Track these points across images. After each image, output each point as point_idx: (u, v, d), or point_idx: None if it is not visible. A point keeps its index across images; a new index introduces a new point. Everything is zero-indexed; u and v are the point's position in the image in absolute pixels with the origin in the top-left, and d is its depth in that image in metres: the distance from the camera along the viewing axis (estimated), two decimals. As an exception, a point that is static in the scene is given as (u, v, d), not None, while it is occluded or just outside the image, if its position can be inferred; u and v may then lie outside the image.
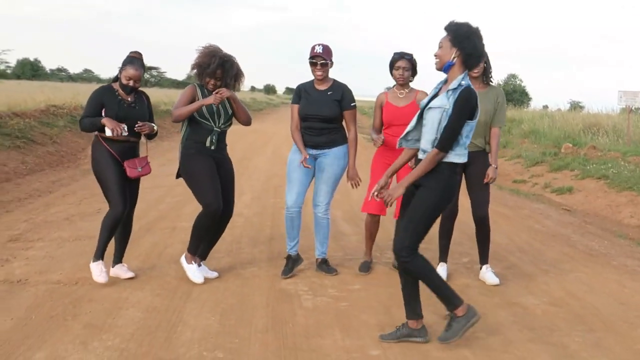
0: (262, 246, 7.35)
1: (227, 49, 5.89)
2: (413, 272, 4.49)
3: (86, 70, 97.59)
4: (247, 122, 6.12)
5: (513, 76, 60.05)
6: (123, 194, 5.69)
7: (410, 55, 6.21)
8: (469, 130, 4.40)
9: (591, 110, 24.99)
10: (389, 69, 6.29)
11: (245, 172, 13.48)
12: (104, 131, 5.56)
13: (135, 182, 5.94)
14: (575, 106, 38.17)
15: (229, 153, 6.11)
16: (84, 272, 5.90)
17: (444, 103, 4.34)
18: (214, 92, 5.69)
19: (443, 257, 6.34)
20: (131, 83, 5.68)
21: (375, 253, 6.82)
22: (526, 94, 57.20)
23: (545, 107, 40.74)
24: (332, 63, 6.17)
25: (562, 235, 8.48)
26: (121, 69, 5.71)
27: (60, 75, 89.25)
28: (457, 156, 4.40)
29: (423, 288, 4.58)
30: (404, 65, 6.17)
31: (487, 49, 4.92)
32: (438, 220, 6.21)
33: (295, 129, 6.24)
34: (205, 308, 5.22)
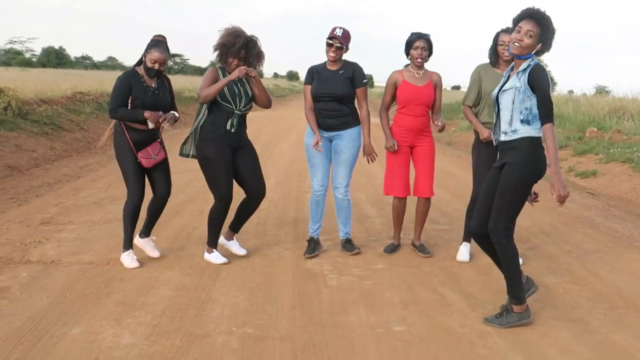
0: (288, 228, 7.49)
1: (250, 33, 5.97)
2: (505, 254, 4.60)
3: (110, 58, 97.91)
4: (267, 104, 6.16)
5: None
6: (140, 182, 5.82)
7: (428, 36, 6.21)
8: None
9: (617, 95, 24.74)
10: (404, 49, 6.28)
11: (270, 157, 13.63)
12: (144, 123, 5.70)
13: (163, 165, 5.99)
14: (601, 91, 37.74)
15: (255, 139, 6.18)
16: (115, 253, 6.07)
17: (516, 83, 4.49)
18: (238, 69, 5.75)
19: (468, 237, 6.39)
20: (156, 66, 5.74)
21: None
22: (551, 79, 56.71)
23: (571, 92, 40.32)
24: (347, 49, 6.25)
25: (585, 218, 8.51)
26: (146, 52, 5.77)
27: (84, 63, 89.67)
28: (537, 130, 4.49)
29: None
30: (422, 45, 6.16)
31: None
32: (466, 200, 6.32)
33: (309, 109, 6.31)
34: (234, 287, 5.36)
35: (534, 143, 4.51)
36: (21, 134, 13.30)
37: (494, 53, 6.13)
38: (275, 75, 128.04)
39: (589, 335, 4.53)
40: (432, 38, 6.24)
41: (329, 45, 6.19)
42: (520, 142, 4.51)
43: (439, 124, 6.17)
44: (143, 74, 5.79)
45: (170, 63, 61.05)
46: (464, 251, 6.33)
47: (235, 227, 6.30)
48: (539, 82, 4.41)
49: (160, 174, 5.98)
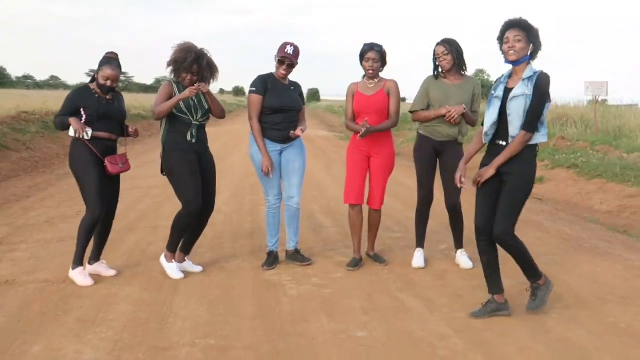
0: (244, 241, 7.50)
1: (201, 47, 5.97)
2: (516, 249, 4.93)
3: (53, 77, 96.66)
4: (221, 115, 6.24)
5: (481, 71, 60.55)
6: (101, 194, 5.73)
7: (380, 47, 6.21)
8: (546, 111, 4.80)
9: (559, 103, 25.32)
10: (359, 60, 6.30)
11: (220, 171, 13.35)
12: (101, 128, 5.68)
13: (116, 180, 5.99)
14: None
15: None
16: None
17: (525, 91, 4.71)
18: (190, 88, 5.78)
19: (420, 243, 6.53)
20: (109, 83, 5.74)
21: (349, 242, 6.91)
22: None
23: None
24: (297, 64, 6.33)
25: (535, 222, 8.71)
26: (98, 70, 5.77)
27: (26, 82, 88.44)
28: (543, 136, 4.80)
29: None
30: (373, 57, 6.17)
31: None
32: (414, 208, 6.43)
33: (258, 121, 6.28)
34: (193, 300, 5.35)
35: (535, 151, 4.85)
36: (-34, 155, 13.03)
37: (435, 67, 6.27)
38: (222, 91, 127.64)
39: (545, 334, 4.66)
40: (385, 49, 6.26)
41: (280, 63, 6.23)
42: (525, 151, 4.77)
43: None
44: (95, 89, 5.78)
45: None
46: (418, 257, 6.43)
47: (186, 249, 6.27)
48: (540, 91, 4.70)
49: (112, 188, 5.95)
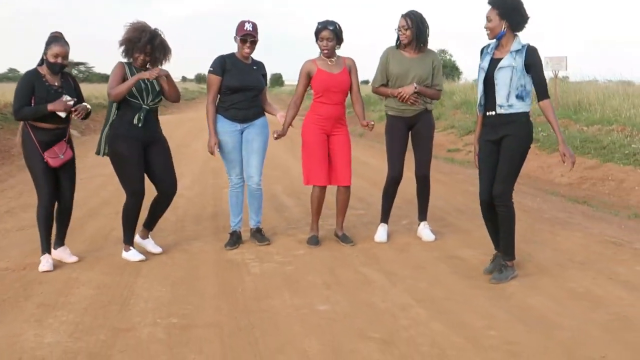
0: (206, 223, 7.48)
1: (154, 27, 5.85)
2: (510, 214, 5.19)
3: (11, 70, 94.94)
4: (176, 99, 6.13)
5: (443, 51, 60.62)
6: (49, 184, 5.65)
7: (334, 24, 6.12)
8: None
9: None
10: (315, 39, 6.23)
11: (184, 157, 13.49)
12: (46, 118, 5.54)
13: (70, 166, 5.84)
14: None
15: (168, 141, 6.14)
16: (31, 258, 5.90)
17: (512, 62, 5.04)
18: (150, 69, 5.72)
19: (384, 218, 6.56)
20: (59, 60, 5.57)
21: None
22: (457, 69, 57.80)
23: (475, 81, 41.30)
24: (258, 40, 6.26)
25: (496, 195, 8.77)
26: (46, 49, 5.57)
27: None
28: (528, 105, 5.16)
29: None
30: (327, 36, 6.09)
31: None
32: (381, 186, 6.46)
33: (212, 102, 6.30)
34: (156, 282, 5.32)
35: (527, 116, 5.18)
36: None
37: (398, 37, 6.25)
38: (184, 78, 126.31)
39: (505, 301, 4.73)
40: (340, 26, 6.18)
41: (243, 42, 6.16)
42: (518, 116, 5.11)
43: (367, 122, 6.19)
44: (45, 74, 5.62)
45: (75, 72, 59.61)
46: (381, 232, 6.46)
47: (149, 225, 6.24)
48: (535, 63, 5.07)
49: (66, 174, 5.81)
